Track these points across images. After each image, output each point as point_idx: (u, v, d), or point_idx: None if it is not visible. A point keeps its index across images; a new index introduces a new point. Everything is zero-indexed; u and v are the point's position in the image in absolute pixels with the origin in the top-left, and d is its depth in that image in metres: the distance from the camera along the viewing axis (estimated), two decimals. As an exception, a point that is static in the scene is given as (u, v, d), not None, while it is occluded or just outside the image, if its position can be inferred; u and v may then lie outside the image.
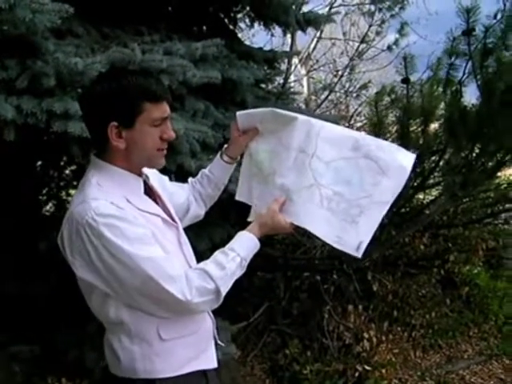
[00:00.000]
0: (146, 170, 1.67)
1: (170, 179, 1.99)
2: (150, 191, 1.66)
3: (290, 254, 4.60)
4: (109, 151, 1.54)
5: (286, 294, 4.42)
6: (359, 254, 1.64)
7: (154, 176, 1.76)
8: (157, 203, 1.66)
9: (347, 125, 6.37)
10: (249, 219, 1.84)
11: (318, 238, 1.70)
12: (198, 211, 1.99)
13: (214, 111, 2.93)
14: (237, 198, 1.96)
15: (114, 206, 1.44)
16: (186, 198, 1.95)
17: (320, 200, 1.70)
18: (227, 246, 1.61)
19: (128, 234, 1.42)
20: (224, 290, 1.53)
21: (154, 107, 1.50)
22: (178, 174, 2.30)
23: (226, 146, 1.98)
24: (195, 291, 1.47)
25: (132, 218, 1.46)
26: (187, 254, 1.68)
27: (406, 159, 1.71)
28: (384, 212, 1.66)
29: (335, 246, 1.67)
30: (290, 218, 1.73)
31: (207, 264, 1.55)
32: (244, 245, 1.63)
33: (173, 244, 1.62)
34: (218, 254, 1.59)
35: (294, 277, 4.54)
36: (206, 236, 2.81)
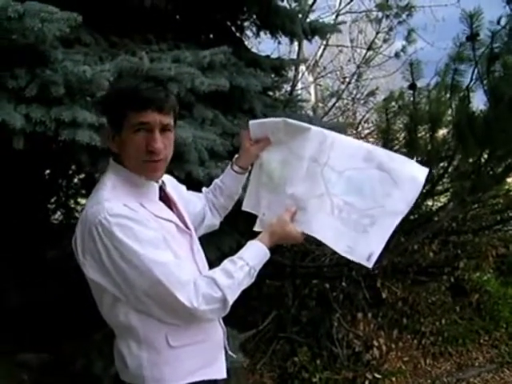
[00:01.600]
0: (163, 177, 1.68)
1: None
2: (165, 197, 1.67)
3: (298, 262, 4.58)
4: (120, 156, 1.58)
5: (295, 301, 4.40)
6: (370, 265, 1.64)
7: (171, 183, 1.78)
8: (172, 210, 1.67)
9: (354, 132, 6.38)
10: (255, 229, 1.85)
11: (328, 247, 1.70)
12: (213, 221, 1.99)
13: (222, 119, 2.94)
14: (243, 208, 1.96)
15: (127, 208, 1.45)
16: (202, 207, 1.95)
17: (331, 209, 1.70)
18: (237, 255, 1.61)
19: (140, 236, 1.43)
20: (231, 299, 1.53)
21: (135, 114, 1.50)
22: (187, 182, 2.24)
23: (236, 156, 1.99)
24: (202, 299, 1.47)
25: (145, 221, 1.46)
26: (200, 262, 1.68)
27: (418, 171, 1.72)
28: (396, 223, 1.66)
29: (346, 255, 1.66)
30: (300, 227, 1.73)
31: (215, 272, 1.55)
32: (253, 254, 1.63)
33: (185, 251, 1.62)
34: (226, 263, 1.58)
35: (303, 284, 4.53)
36: (214, 244, 2.77)
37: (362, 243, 1.65)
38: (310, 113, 6.77)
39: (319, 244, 4.16)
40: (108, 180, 1.54)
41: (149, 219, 1.49)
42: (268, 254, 1.65)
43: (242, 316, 3.92)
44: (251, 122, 1.89)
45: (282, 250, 4.50)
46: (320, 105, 8.40)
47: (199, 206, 1.94)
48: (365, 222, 1.66)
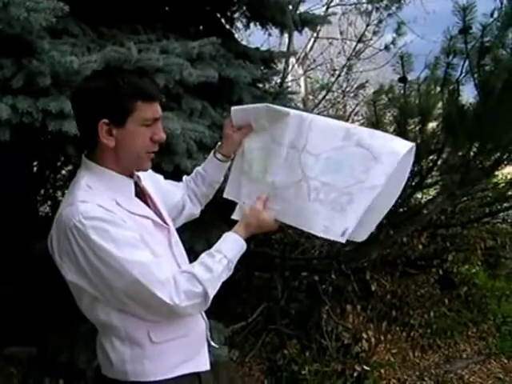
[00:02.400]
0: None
1: (166, 179, 1.98)
2: (141, 193, 1.65)
3: (288, 254, 4.59)
4: (99, 151, 1.54)
5: (284, 294, 4.41)
6: (343, 240, 1.61)
7: (147, 176, 1.74)
8: (148, 205, 1.65)
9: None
10: (233, 217, 1.84)
11: (304, 231, 1.70)
12: (193, 210, 1.99)
13: (211, 111, 2.92)
14: (225, 195, 1.95)
15: (102, 209, 1.43)
16: (181, 196, 1.95)
17: (308, 193, 1.68)
18: (214, 248, 1.61)
19: (116, 237, 1.42)
20: (211, 293, 1.53)
21: (146, 107, 1.50)
22: (175, 174, 2.26)
23: (219, 143, 1.97)
24: (183, 295, 1.47)
25: (120, 221, 1.45)
26: (178, 255, 1.67)
27: (401, 145, 1.68)
28: (372, 196, 1.61)
29: (321, 235, 1.64)
30: (276, 215, 1.73)
31: (194, 267, 1.55)
32: (230, 246, 1.63)
33: (163, 247, 1.62)
34: (204, 256, 1.58)
35: (292, 277, 4.54)
36: (203, 236, 2.77)
37: (339, 221, 1.62)
38: (300, 105, 6.78)
39: (309, 236, 4.35)
40: (82, 179, 1.53)
41: (125, 219, 1.47)
42: (244, 246, 1.66)
43: (230, 308, 3.97)
44: (233, 108, 1.87)
45: (271, 242, 4.61)
46: (310, 97, 8.42)
47: (178, 196, 1.94)
48: (343, 199, 1.63)
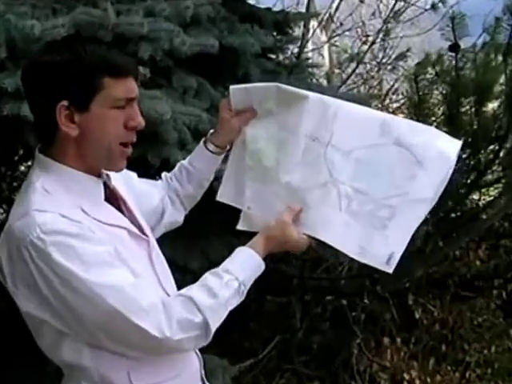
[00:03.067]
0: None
1: (153, 177, 1.99)
2: (112, 196, 1.63)
3: (308, 273, 4.58)
4: (58, 144, 1.51)
5: (304, 323, 4.37)
6: (390, 269, 1.61)
7: (117, 174, 1.70)
8: (121, 211, 1.64)
9: (380, 106, 6.32)
10: (239, 227, 1.85)
11: (341, 252, 1.67)
12: (176, 216, 1.98)
13: (209, 89, 2.91)
14: (219, 198, 1.93)
15: (65, 219, 1.40)
16: (160, 199, 1.93)
17: (338, 201, 1.68)
18: (221, 266, 1.59)
19: (85, 256, 1.39)
20: (214, 324, 1.50)
21: (116, 84, 1.48)
22: (163, 170, 2.25)
23: (212, 131, 1.96)
24: (176, 325, 1.44)
25: (89, 234, 1.43)
26: (161, 274, 1.65)
27: (448, 145, 1.70)
28: (424, 213, 1.64)
29: (357, 258, 1.64)
30: (303, 228, 1.70)
31: (193, 289, 1.53)
32: (243, 265, 1.60)
33: (142, 263, 1.59)
34: (208, 277, 1.56)
35: (314, 301, 4.51)
36: (199, 250, 2.82)
37: (379, 242, 1.62)
38: (323, 81, 6.76)
39: (335, 250, 4.31)
40: (37, 180, 1.49)
41: (94, 230, 1.44)
42: (262, 266, 1.63)
43: (237, 341, 3.95)
44: (233, 87, 1.86)
45: (287, 257, 4.45)
46: (336, 71, 8.38)
47: (156, 198, 1.92)
48: (382, 214, 1.63)
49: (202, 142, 1.94)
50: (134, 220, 1.66)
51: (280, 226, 1.69)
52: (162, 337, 1.42)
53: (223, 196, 1.93)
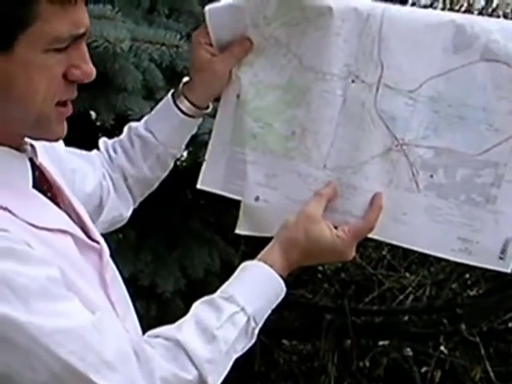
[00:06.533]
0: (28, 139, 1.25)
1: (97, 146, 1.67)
2: (41, 181, 1.21)
3: (349, 303, 3.74)
4: None
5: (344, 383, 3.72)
6: (507, 266, 1.29)
7: (39, 144, 1.36)
8: (57, 205, 1.21)
9: (466, 4, 5.13)
10: (238, 230, 1.53)
11: (421, 253, 1.45)
12: (120, 207, 1.57)
13: (193, 3, 2.71)
14: (199, 185, 1.54)
15: None
16: (98, 182, 1.52)
17: (410, 176, 1.34)
18: (221, 290, 1.28)
19: (17, 286, 1.01)
20: (215, 382, 1.20)
21: (55, 13, 1.05)
22: (117, 133, 1.79)
23: (185, 79, 1.54)
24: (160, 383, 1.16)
25: (20, 250, 1.03)
26: (117, 303, 1.23)
27: None
28: None
29: (459, 259, 1.33)
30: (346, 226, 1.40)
31: (182, 329, 1.19)
32: (253, 289, 1.28)
33: (94, 285, 1.21)
34: (200, 308, 1.24)
35: (359, 350, 3.74)
36: (173, 264, 2.52)
37: (485, 225, 1.28)
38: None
39: (393, 266, 3.93)
40: None
41: (28, 240, 1.04)
42: (283, 288, 1.30)
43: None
44: (209, 7, 1.41)
45: (314, 277, 4.07)
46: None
47: (92, 181, 1.53)
48: (484, 178, 1.28)
49: (169, 97, 1.54)
50: (75, 218, 1.30)
51: (302, 222, 1.36)
52: None
53: (207, 182, 1.57)
